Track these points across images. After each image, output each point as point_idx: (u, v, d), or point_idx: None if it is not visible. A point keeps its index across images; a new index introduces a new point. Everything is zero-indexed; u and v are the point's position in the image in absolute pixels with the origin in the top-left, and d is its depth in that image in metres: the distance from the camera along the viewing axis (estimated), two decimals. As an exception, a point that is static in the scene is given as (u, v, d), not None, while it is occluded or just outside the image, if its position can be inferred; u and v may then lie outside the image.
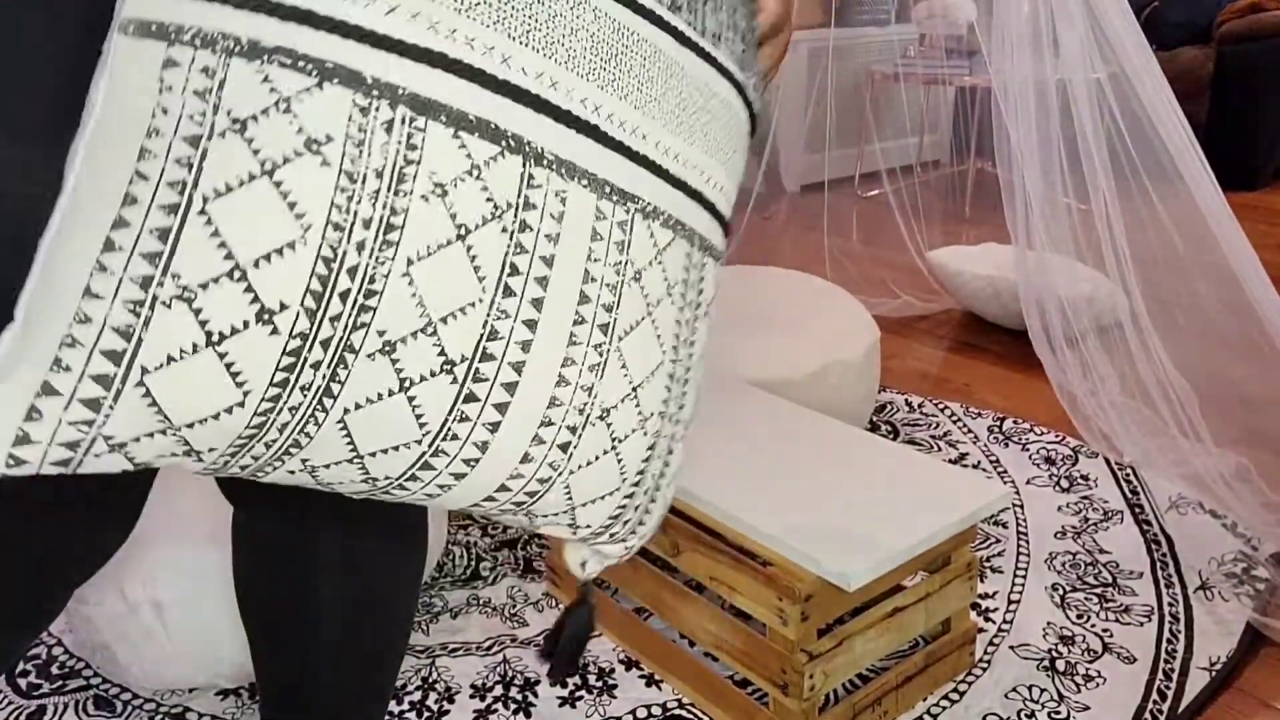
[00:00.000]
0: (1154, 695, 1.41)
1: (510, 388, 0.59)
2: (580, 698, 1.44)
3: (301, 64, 0.51)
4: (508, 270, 0.57)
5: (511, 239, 0.57)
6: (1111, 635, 1.54)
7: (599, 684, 1.46)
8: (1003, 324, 2.73)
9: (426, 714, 1.41)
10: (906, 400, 2.36)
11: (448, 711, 1.41)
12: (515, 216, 0.56)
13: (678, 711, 1.41)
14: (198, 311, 0.51)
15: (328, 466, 0.59)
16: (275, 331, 0.52)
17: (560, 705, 1.42)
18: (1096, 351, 2.09)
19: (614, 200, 0.60)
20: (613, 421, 0.64)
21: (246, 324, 0.51)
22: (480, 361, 0.57)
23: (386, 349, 0.55)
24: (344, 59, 0.52)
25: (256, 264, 0.51)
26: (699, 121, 0.65)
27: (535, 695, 1.44)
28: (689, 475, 1.38)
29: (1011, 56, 2.12)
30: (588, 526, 0.69)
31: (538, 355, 0.59)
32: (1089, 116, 2.00)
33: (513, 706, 1.42)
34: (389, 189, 0.53)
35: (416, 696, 1.44)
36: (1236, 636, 1.52)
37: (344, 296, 0.53)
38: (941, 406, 2.32)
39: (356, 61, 0.52)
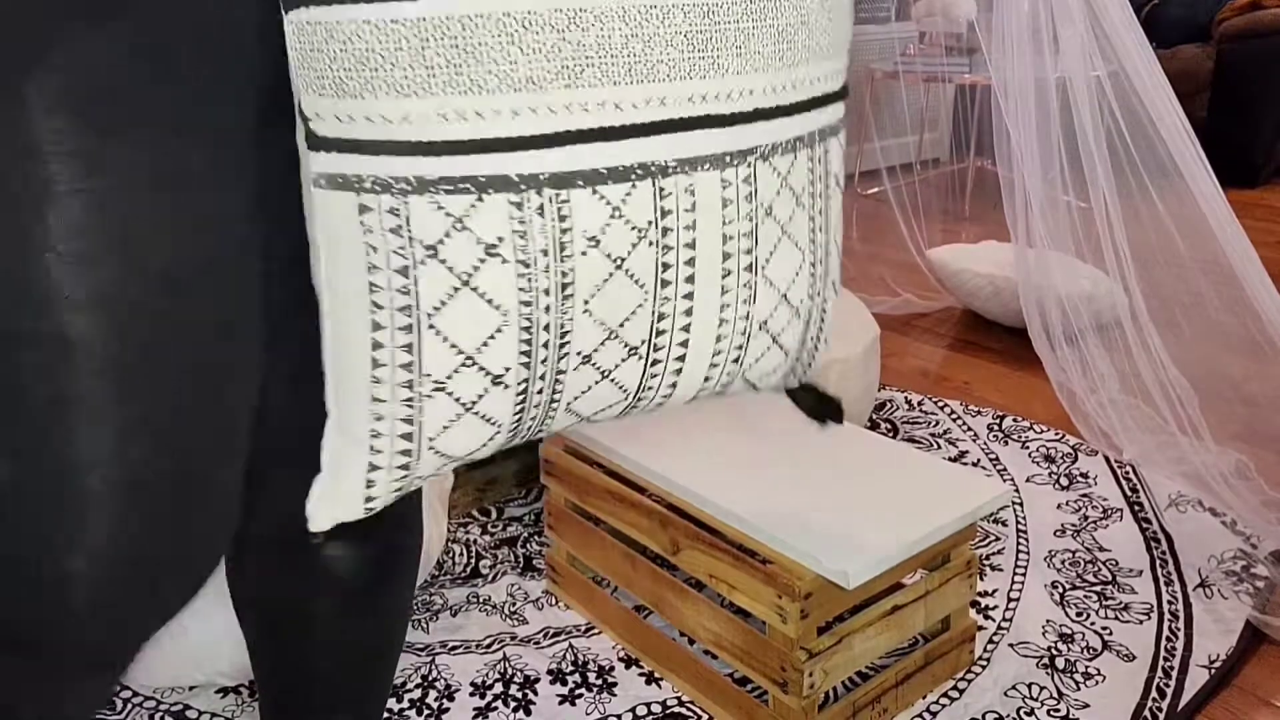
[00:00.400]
0: (1153, 693, 1.42)
1: (684, 344, 0.71)
2: (580, 695, 1.44)
3: (462, 185, 0.61)
4: (660, 270, 0.67)
5: (657, 248, 0.66)
6: (1111, 633, 1.54)
7: (599, 682, 1.46)
8: (1002, 322, 2.73)
9: (426, 712, 1.41)
10: (906, 398, 2.36)
11: (447, 709, 1.41)
12: (656, 229, 0.66)
13: (677, 709, 1.41)
14: (451, 394, 0.66)
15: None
16: (506, 387, 0.67)
17: (560, 703, 1.42)
18: (1096, 349, 2.09)
19: (734, 165, 0.67)
20: (770, 325, 0.76)
21: (487, 390, 0.67)
22: (655, 338, 0.70)
23: (585, 360, 0.68)
24: (492, 170, 0.61)
25: (479, 350, 0.65)
26: (799, 37, 0.69)
27: (535, 693, 1.44)
28: (688, 473, 1.39)
29: (1011, 54, 2.12)
30: (762, 383, 0.83)
31: (699, 315, 0.70)
32: (1089, 114, 2.00)
33: (512, 704, 1.42)
34: (556, 260, 0.64)
35: (416, 694, 1.44)
36: (1236, 634, 1.52)
37: (545, 345, 0.66)
38: (941, 404, 2.32)
39: (502, 168, 0.61)
